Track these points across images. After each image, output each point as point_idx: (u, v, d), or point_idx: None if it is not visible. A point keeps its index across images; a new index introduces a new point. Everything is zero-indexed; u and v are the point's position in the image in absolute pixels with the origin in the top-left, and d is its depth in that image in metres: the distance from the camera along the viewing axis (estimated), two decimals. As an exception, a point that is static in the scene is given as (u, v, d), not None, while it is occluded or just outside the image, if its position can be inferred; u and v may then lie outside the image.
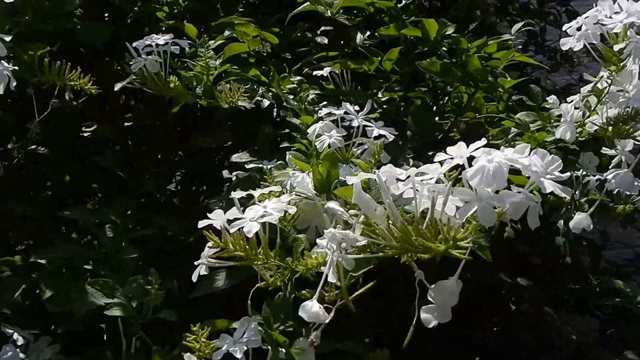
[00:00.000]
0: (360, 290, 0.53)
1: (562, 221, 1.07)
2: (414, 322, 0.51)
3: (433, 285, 0.50)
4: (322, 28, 1.17)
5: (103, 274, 0.81)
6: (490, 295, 1.10)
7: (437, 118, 1.07)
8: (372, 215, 0.49)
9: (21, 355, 0.83)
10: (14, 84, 0.79)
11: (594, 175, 1.11)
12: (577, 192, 1.09)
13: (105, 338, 0.94)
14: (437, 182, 0.49)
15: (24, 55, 0.90)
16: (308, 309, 0.51)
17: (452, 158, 0.49)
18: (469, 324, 1.13)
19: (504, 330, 1.14)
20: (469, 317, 1.11)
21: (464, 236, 0.45)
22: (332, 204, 0.53)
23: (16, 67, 0.81)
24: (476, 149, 0.48)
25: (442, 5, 1.54)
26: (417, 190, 0.49)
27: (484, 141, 0.48)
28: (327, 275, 0.50)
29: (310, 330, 0.53)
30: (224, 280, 0.76)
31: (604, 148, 0.84)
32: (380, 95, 1.03)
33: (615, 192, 1.07)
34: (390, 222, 0.48)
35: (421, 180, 0.50)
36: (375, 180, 0.61)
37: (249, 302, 0.63)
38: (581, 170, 1.05)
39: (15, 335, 0.86)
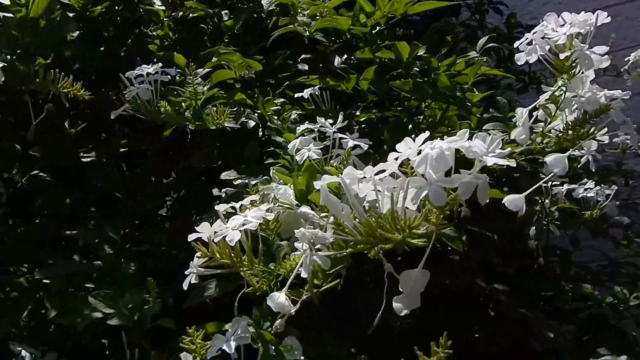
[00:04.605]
0: (327, 286, 0.58)
1: (534, 228, 1.14)
2: (380, 311, 0.55)
3: (401, 275, 0.54)
4: (303, 56, 1.24)
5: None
6: (469, 302, 1.15)
7: (412, 135, 1.13)
8: (339, 215, 0.55)
9: (29, 370, 0.87)
10: (2, 79, 0.83)
11: (561, 184, 1.20)
12: (547, 201, 1.17)
13: (107, 353, 1.00)
14: (393, 177, 0.54)
15: (19, 66, 0.94)
16: (275, 299, 0.55)
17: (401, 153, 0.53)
18: (451, 332, 1.18)
19: (485, 338, 1.18)
20: (451, 325, 1.17)
21: (418, 224, 0.50)
22: (304, 208, 0.59)
23: (5, 63, 0.85)
24: (423, 142, 0.53)
25: (415, 32, 1.62)
26: (379, 190, 0.55)
27: (427, 134, 0.53)
28: (299, 272, 0.56)
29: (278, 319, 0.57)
30: (214, 289, 0.83)
31: (570, 150, 0.88)
32: (358, 113, 1.10)
33: (581, 199, 1.15)
34: (356, 219, 0.54)
35: (379, 179, 0.55)
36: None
37: (235, 304, 0.68)
38: (550, 182, 1.13)
39: (23, 352, 0.91)
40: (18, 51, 0.91)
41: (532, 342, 1.18)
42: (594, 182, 1.18)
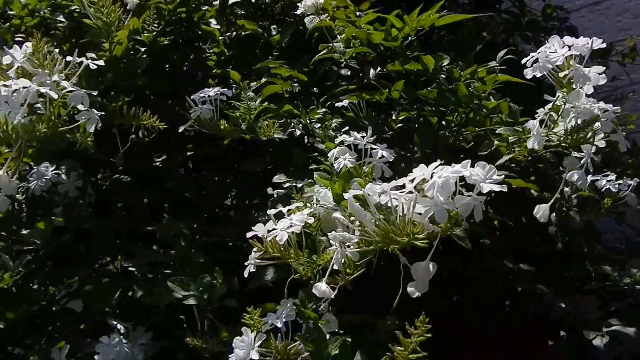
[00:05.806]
0: (355, 274, 0.74)
1: (554, 214, 1.26)
2: (399, 294, 0.71)
3: (412, 266, 0.69)
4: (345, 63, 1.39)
5: (179, 275, 1.06)
6: (498, 279, 1.29)
7: (446, 132, 1.27)
8: (363, 220, 0.70)
9: (124, 340, 1.06)
10: (100, 125, 0.98)
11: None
12: (568, 190, 1.27)
13: (185, 326, 1.19)
14: (409, 192, 0.69)
15: (108, 105, 1.15)
16: (318, 288, 0.71)
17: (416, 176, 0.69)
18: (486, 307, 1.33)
19: (512, 310, 1.32)
20: (482, 298, 1.31)
21: (418, 230, 0.65)
22: (337, 214, 0.75)
23: (103, 113, 0.99)
24: (435, 168, 0.67)
25: (450, 31, 1.73)
26: (395, 199, 0.69)
27: (439, 162, 0.68)
28: (333, 264, 0.72)
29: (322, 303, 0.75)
30: (272, 275, 1.00)
31: (574, 153, 1.01)
32: (394, 117, 1.25)
33: (603, 189, 1.24)
34: (375, 224, 0.69)
35: (400, 192, 0.70)
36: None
37: (285, 289, 0.85)
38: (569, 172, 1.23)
39: (118, 326, 1.11)
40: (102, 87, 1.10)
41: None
42: (615, 175, 1.25)
